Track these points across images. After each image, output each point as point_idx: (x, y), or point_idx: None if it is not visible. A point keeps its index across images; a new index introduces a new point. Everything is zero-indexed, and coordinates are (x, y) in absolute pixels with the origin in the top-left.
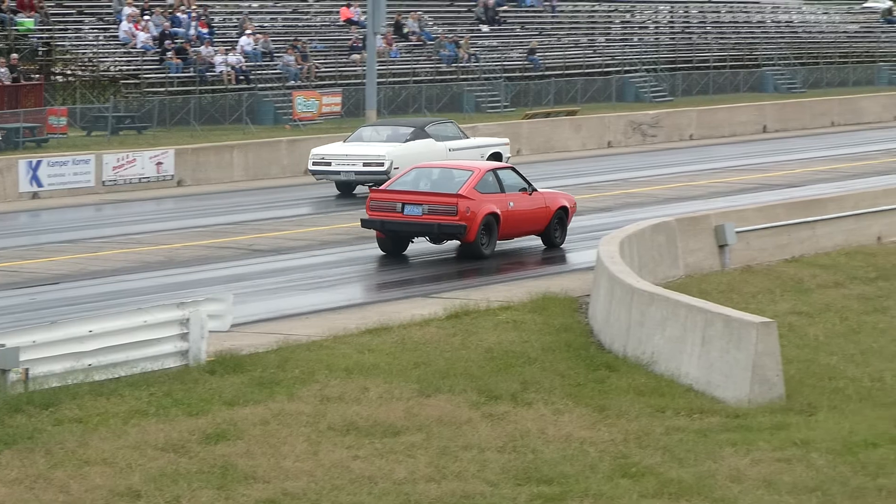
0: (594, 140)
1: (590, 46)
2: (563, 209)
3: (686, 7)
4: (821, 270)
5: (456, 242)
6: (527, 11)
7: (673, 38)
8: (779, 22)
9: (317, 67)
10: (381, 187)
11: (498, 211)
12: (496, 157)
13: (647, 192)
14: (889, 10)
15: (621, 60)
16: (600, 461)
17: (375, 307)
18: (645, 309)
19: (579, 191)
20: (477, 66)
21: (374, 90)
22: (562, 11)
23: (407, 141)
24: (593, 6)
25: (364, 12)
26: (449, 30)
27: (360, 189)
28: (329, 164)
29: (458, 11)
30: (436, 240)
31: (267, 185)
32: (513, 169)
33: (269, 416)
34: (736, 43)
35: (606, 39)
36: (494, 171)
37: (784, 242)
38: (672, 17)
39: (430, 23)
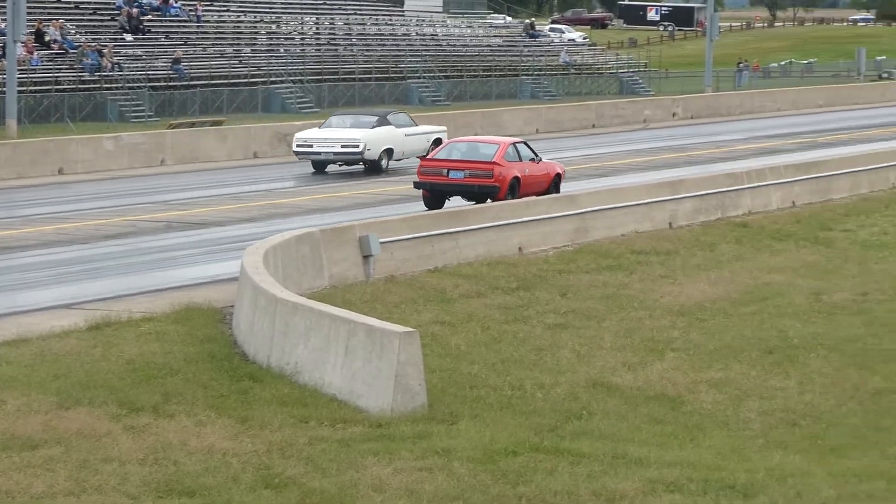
0: (240, 150)
1: (235, 57)
2: (558, 175)
3: (332, 19)
4: (463, 280)
5: None
6: (171, 21)
7: (319, 50)
8: (423, 35)
9: None
10: (427, 157)
11: (519, 175)
12: (438, 141)
13: (292, 202)
14: (531, 25)
15: (267, 71)
16: (243, 472)
17: (13, 318)
18: (289, 319)
19: (223, 201)
20: (121, 75)
21: (15, 98)
22: (207, 21)
23: (374, 127)
24: (239, 17)
25: (3, 20)
26: (92, 38)
27: (331, 168)
28: (311, 146)
29: (102, 20)
30: (472, 197)
31: None
32: (525, 143)
33: None
34: (381, 55)
35: (252, 50)
36: (514, 144)
37: (427, 253)
38: (318, 28)
39: (73, 31)
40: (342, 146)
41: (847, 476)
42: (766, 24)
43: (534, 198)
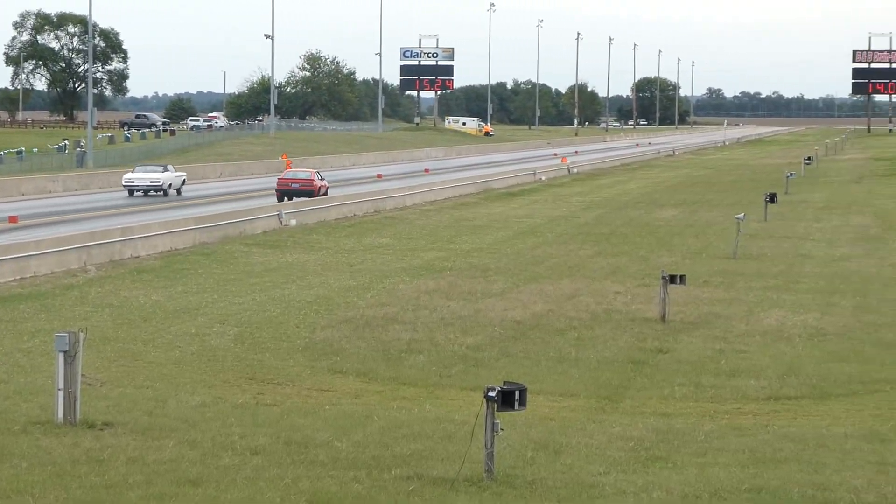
0: None
1: None
2: (327, 187)
3: None
4: None
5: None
6: None
7: None
8: None
9: None
10: (280, 177)
11: (320, 185)
12: (184, 180)
13: None
14: None
15: None
16: None
17: None
18: None
19: None
20: None
21: None
22: None
23: (163, 172)
24: None
25: None
26: None
27: (136, 194)
28: (133, 181)
29: None
30: (298, 196)
31: None
32: (318, 172)
33: None
34: None
35: None
36: (315, 172)
37: None
38: None
39: None
40: (150, 182)
41: None
42: None
43: None
